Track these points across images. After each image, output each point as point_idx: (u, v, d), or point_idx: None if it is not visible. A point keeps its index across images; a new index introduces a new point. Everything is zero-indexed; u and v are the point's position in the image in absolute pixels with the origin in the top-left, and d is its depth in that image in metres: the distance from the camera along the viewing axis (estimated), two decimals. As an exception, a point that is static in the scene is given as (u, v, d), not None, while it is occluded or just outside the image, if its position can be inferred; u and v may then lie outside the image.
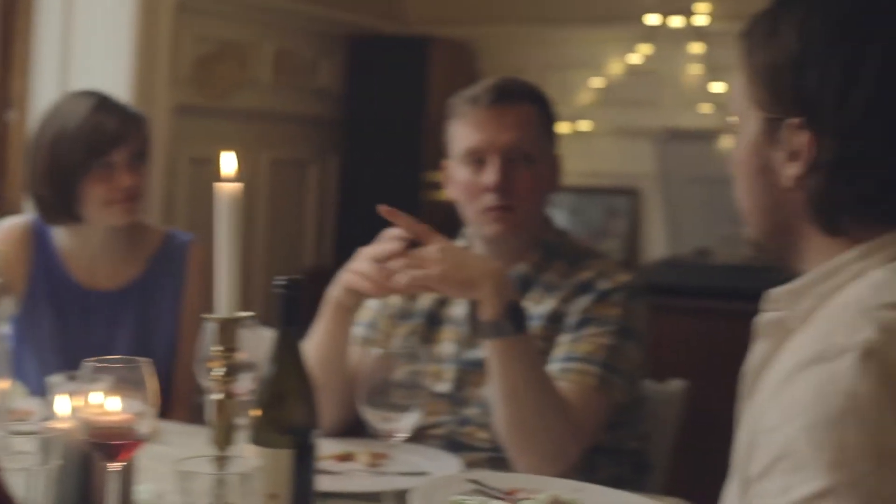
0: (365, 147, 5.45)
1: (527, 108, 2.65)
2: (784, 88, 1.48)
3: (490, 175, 2.58)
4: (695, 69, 5.33)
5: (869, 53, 1.44)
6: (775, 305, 1.54)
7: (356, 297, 2.54)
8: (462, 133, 2.64)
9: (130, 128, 2.96)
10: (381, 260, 2.44)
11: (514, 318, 2.34)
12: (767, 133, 1.51)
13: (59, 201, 2.94)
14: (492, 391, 2.39)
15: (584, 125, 5.47)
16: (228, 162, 1.93)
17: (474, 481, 2.10)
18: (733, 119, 1.58)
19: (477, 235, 2.67)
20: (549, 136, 2.71)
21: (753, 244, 1.61)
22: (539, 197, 2.66)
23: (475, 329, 2.43)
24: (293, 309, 1.97)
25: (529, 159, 2.62)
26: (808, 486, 1.25)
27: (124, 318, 3.05)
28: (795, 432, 1.28)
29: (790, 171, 1.49)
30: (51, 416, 2.48)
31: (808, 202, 1.49)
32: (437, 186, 5.27)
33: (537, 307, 2.59)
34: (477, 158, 2.61)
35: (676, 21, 5.30)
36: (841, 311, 1.38)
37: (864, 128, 1.44)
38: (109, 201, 2.93)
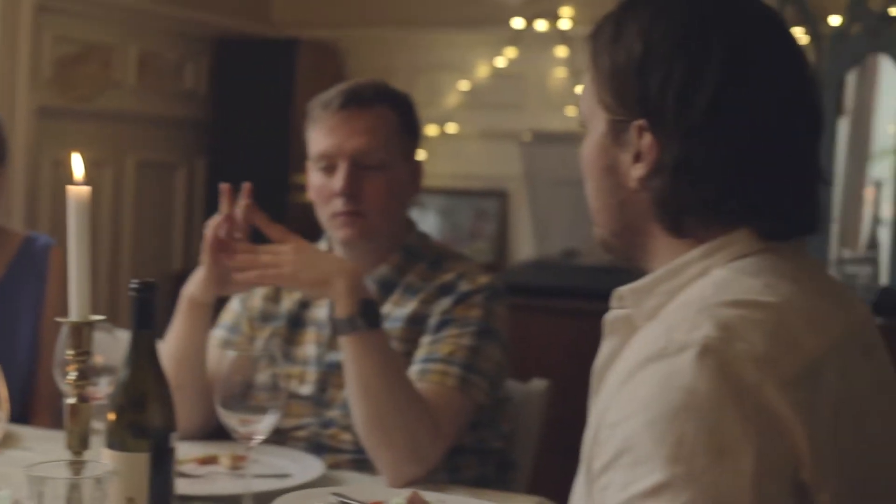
0: (232, 149, 5.42)
1: (381, 111, 2.63)
2: (628, 91, 1.50)
3: (338, 181, 2.58)
4: (560, 72, 5.39)
5: (710, 58, 1.47)
6: (622, 303, 1.56)
7: (212, 293, 2.54)
8: (315, 137, 2.64)
9: None
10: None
11: (368, 314, 2.36)
12: (614, 134, 1.53)
13: None
14: (348, 389, 2.41)
15: (452, 128, 5.50)
16: (77, 164, 1.91)
17: (337, 494, 2.10)
18: (582, 120, 1.60)
19: (334, 238, 2.68)
20: (408, 140, 2.70)
21: (602, 244, 1.63)
22: (394, 202, 2.65)
23: (332, 327, 2.45)
24: (147, 311, 1.95)
25: (381, 164, 2.61)
26: (648, 479, 1.27)
27: (-16, 322, 3.01)
28: (637, 427, 1.30)
29: (635, 172, 1.51)
30: None
31: (652, 203, 1.52)
32: (304, 188, 5.26)
33: (399, 309, 2.60)
34: (328, 163, 2.61)
35: (541, 25, 5.36)
36: (683, 309, 1.41)
37: (705, 131, 1.46)
38: None
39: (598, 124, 1.55)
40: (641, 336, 1.44)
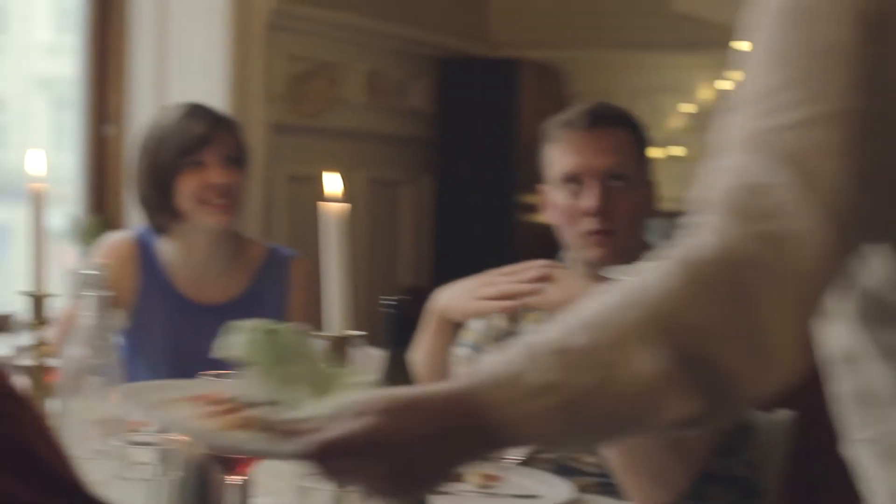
0: (458, 168, 5.46)
1: (622, 132, 2.65)
2: None
3: (589, 199, 2.57)
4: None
5: None
6: None
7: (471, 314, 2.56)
8: (559, 157, 2.63)
9: (219, 130, 3.07)
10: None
11: None
12: None
13: (157, 200, 3.06)
14: None
15: (677, 150, 5.45)
16: (334, 182, 1.94)
17: None
18: None
19: (577, 259, 2.66)
20: (644, 161, 2.71)
21: None
22: (638, 221, 2.66)
23: None
24: (401, 329, 1.97)
25: (628, 182, 2.61)
26: None
27: (231, 331, 3.08)
28: None
29: None
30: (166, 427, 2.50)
31: None
32: (530, 208, 5.26)
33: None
34: (575, 182, 2.61)
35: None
36: None
37: None
38: (203, 200, 3.01)
39: None
40: None
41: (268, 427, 1.44)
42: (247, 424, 1.46)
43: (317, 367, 1.54)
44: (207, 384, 1.65)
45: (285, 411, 1.45)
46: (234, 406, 1.50)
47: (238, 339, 1.53)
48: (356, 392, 1.46)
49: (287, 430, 1.40)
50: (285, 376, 1.50)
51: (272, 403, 1.48)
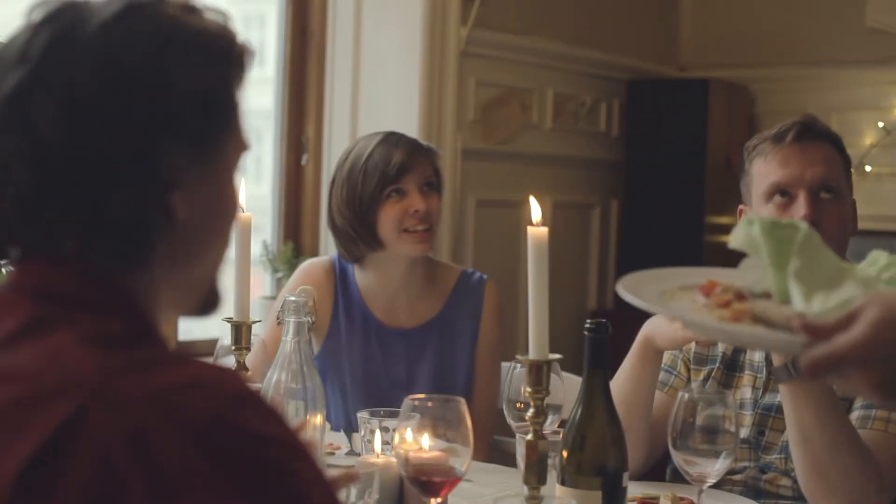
0: (645, 190, 5.43)
1: (830, 146, 2.64)
2: None
3: (800, 209, 2.56)
4: None
5: None
6: None
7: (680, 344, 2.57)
8: (766, 170, 2.62)
9: (419, 158, 3.10)
10: None
11: None
12: None
13: (357, 231, 3.08)
14: (788, 436, 2.38)
15: (868, 168, 5.34)
16: (535, 208, 1.97)
17: None
18: None
19: None
20: (848, 178, 2.69)
21: None
22: (844, 235, 2.63)
23: (770, 373, 2.43)
24: (602, 351, 1.99)
25: (836, 196, 2.60)
26: None
27: (424, 354, 3.13)
28: None
29: None
30: (358, 450, 2.57)
31: None
32: (719, 230, 5.22)
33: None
34: (784, 194, 2.60)
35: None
36: None
37: None
38: (403, 228, 3.05)
39: None
40: None
41: (769, 321, 1.46)
42: (748, 317, 1.47)
43: (827, 261, 1.55)
44: (709, 273, 1.65)
45: (793, 305, 1.46)
46: (735, 297, 1.52)
47: (745, 230, 1.55)
48: (861, 289, 1.48)
49: (791, 326, 1.42)
50: (793, 269, 1.50)
51: (779, 296, 1.50)
